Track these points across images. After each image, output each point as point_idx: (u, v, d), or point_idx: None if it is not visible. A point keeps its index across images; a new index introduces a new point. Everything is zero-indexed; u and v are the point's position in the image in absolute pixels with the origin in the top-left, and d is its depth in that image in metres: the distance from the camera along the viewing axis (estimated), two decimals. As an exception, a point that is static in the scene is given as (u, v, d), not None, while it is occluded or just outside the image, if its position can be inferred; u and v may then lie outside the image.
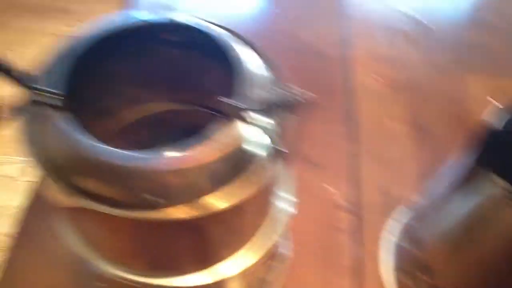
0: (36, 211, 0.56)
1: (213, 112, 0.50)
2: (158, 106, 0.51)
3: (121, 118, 0.49)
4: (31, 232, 0.54)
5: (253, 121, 0.33)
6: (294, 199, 0.44)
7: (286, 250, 0.52)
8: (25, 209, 0.56)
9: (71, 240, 0.41)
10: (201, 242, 0.37)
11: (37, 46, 1.78)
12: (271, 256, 0.48)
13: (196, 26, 0.40)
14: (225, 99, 0.32)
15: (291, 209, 0.44)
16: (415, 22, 0.81)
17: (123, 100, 0.48)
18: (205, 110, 0.50)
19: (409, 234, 0.51)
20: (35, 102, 0.33)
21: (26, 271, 0.51)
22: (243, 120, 0.32)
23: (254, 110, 0.33)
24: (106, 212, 0.31)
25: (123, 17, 0.40)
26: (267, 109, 0.33)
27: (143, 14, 0.40)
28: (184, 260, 0.40)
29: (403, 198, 0.57)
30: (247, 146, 0.33)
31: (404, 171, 0.60)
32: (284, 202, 0.44)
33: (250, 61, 0.37)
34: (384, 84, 0.70)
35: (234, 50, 0.37)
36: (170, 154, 0.31)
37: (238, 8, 0.83)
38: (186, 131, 0.52)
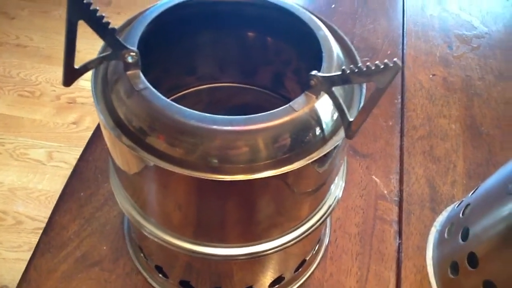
0: (81, 179, 0.57)
1: (274, 94, 0.52)
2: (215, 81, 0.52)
3: (176, 86, 0.50)
4: (74, 199, 0.55)
5: (338, 98, 0.33)
6: (344, 185, 0.45)
7: (330, 234, 0.53)
8: (69, 176, 0.57)
9: (123, 203, 0.42)
10: (252, 217, 0.38)
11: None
12: (315, 237, 0.49)
13: (280, 4, 0.41)
14: (316, 73, 0.33)
15: (340, 195, 0.44)
16: (471, 25, 0.81)
17: (184, 68, 0.49)
18: (266, 91, 0.52)
19: (456, 227, 0.52)
20: (110, 56, 0.33)
21: (67, 238, 0.52)
22: (332, 95, 0.33)
23: (341, 84, 0.33)
24: (167, 169, 0.31)
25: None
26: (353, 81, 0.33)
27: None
28: (231, 231, 0.40)
29: (451, 194, 0.58)
30: (324, 121, 0.34)
31: (453, 168, 0.60)
32: (336, 187, 0.44)
33: (333, 41, 0.38)
34: (438, 83, 0.70)
35: (322, 30, 0.38)
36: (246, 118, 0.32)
37: (293, 1, 0.84)
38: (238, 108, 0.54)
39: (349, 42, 0.40)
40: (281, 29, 0.44)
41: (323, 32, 0.38)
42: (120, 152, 0.36)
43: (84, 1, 0.29)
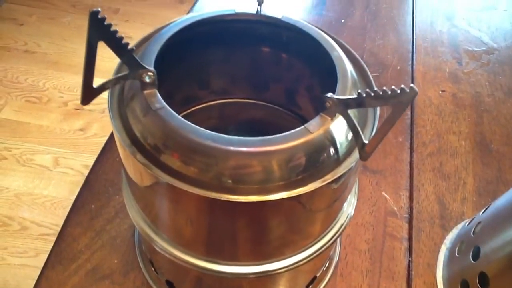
0: (91, 191, 0.57)
1: (286, 110, 0.52)
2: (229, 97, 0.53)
3: (188, 99, 0.50)
4: (85, 211, 0.55)
5: (353, 120, 0.34)
6: (356, 203, 0.45)
7: (340, 251, 0.53)
8: (81, 188, 0.57)
9: (136, 217, 0.42)
10: (264, 236, 0.38)
11: (83, 42, 1.83)
12: (325, 255, 0.49)
13: (293, 24, 0.41)
14: (331, 95, 0.33)
15: (352, 213, 0.44)
16: (480, 42, 0.81)
17: (197, 82, 0.50)
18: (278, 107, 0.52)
19: (467, 245, 0.52)
20: (128, 75, 0.33)
21: (78, 251, 0.52)
22: (347, 117, 0.33)
23: (356, 107, 0.33)
24: (182, 188, 0.31)
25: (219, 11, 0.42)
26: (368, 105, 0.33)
27: (238, 8, 0.42)
28: (242, 250, 0.40)
29: (460, 211, 0.58)
30: (339, 143, 0.34)
31: (463, 185, 0.60)
32: (348, 205, 0.44)
33: (347, 62, 0.38)
34: (448, 99, 0.71)
35: (336, 50, 0.38)
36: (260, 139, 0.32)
37: (303, 16, 0.85)
38: (247, 124, 0.55)
39: (362, 62, 0.40)
40: (294, 47, 0.44)
41: (337, 52, 0.38)
42: (133, 168, 0.36)
43: (105, 23, 0.29)
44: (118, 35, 0.30)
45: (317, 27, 0.41)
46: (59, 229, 1.30)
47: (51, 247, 1.23)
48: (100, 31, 0.30)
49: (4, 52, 1.80)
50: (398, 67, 0.75)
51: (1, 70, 1.72)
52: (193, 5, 0.83)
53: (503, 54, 0.79)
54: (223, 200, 0.31)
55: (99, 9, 0.29)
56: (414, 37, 0.80)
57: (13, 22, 1.93)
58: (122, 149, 0.35)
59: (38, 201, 1.36)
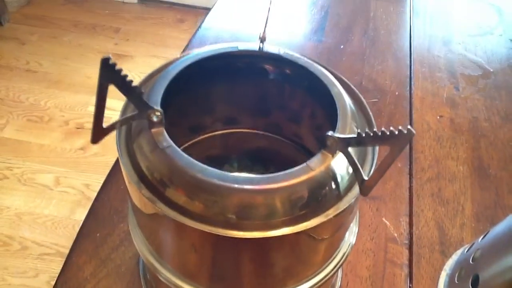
0: (97, 219, 0.57)
1: (287, 141, 0.53)
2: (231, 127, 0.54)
3: (192, 128, 0.51)
4: (90, 240, 0.55)
5: (353, 157, 0.35)
6: (357, 230, 0.46)
7: (341, 278, 0.54)
8: (86, 216, 0.57)
9: (141, 246, 0.43)
10: (268, 269, 0.39)
11: (85, 61, 1.86)
12: (328, 284, 0.50)
13: (294, 60, 0.42)
14: (332, 133, 0.34)
15: (354, 241, 0.45)
16: (476, 66, 0.83)
17: (201, 113, 0.51)
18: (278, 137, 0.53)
19: (466, 272, 0.52)
20: (136, 116, 0.35)
21: (83, 279, 0.52)
22: (347, 155, 0.34)
23: (356, 146, 0.34)
24: (187, 224, 0.32)
25: (222, 46, 0.43)
26: (367, 144, 0.35)
27: (240, 45, 0.43)
28: (246, 282, 0.41)
29: (460, 236, 0.58)
30: (340, 179, 0.35)
31: (462, 211, 0.61)
32: (350, 233, 0.45)
33: (347, 97, 0.40)
34: (445, 124, 0.72)
35: (336, 86, 0.39)
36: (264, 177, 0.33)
37: (303, 43, 0.86)
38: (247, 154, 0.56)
39: (362, 98, 0.41)
40: (295, 81, 0.45)
41: (337, 88, 0.40)
42: (139, 201, 0.37)
43: (116, 68, 0.31)
44: (128, 78, 0.32)
45: (317, 62, 0.42)
46: (59, 248, 1.31)
47: (51, 267, 1.23)
48: (111, 75, 0.31)
49: (6, 71, 1.82)
50: (397, 93, 0.76)
51: (3, 89, 1.74)
52: (195, 33, 0.85)
53: (499, 78, 0.81)
54: (227, 236, 0.32)
55: (110, 56, 0.30)
56: (412, 63, 0.82)
57: (15, 41, 1.95)
58: (129, 184, 0.36)
59: (39, 221, 1.36)
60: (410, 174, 0.65)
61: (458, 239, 0.58)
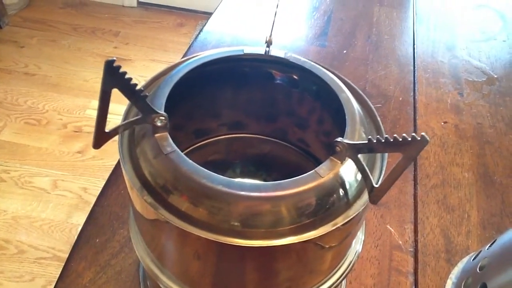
0: (96, 224, 0.56)
1: (292, 146, 0.53)
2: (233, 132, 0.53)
3: (197, 132, 0.50)
4: (90, 246, 0.55)
5: (363, 164, 0.34)
6: (363, 238, 0.45)
7: (345, 286, 0.53)
8: (85, 221, 0.56)
9: (142, 253, 0.42)
10: (273, 278, 0.38)
11: (84, 65, 1.85)
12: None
13: (301, 64, 0.41)
14: (342, 139, 0.33)
15: (360, 249, 0.44)
16: (481, 72, 0.82)
17: (206, 117, 0.50)
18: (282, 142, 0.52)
19: (473, 281, 0.52)
20: (140, 120, 0.34)
21: (83, 286, 0.51)
22: (357, 161, 0.33)
23: (367, 152, 0.34)
24: (190, 231, 0.31)
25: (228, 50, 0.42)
26: (378, 151, 0.34)
27: (246, 48, 0.42)
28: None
29: (465, 244, 0.58)
30: (348, 186, 0.34)
31: (467, 218, 0.61)
32: (356, 242, 0.44)
33: (355, 103, 0.39)
34: (450, 131, 0.71)
35: (344, 91, 0.39)
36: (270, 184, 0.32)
37: (306, 47, 0.86)
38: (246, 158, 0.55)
39: (369, 103, 0.41)
40: (302, 85, 0.44)
41: (345, 94, 0.39)
42: (141, 207, 0.36)
43: (120, 71, 0.30)
44: (132, 82, 0.31)
45: (324, 66, 0.41)
46: (56, 252, 1.29)
47: (47, 271, 1.21)
48: (114, 78, 0.30)
49: (4, 74, 1.81)
50: (400, 98, 0.75)
51: (1, 92, 1.73)
52: (197, 36, 0.84)
53: (503, 85, 0.80)
54: (232, 244, 0.31)
55: (115, 58, 0.29)
56: (416, 68, 0.82)
57: (14, 45, 1.94)
58: (132, 190, 0.35)
59: (36, 224, 1.35)
60: (415, 181, 0.64)
61: (463, 247, 0.57)
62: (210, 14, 0.92)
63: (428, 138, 0.29)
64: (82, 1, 2.22)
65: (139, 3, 2.24)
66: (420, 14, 0.97)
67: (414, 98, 0.76)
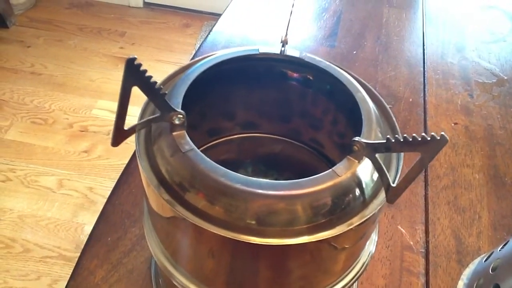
0: (108, 223, 0.57)
1: (306, 147, 0.53)
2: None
3: (211, 131, 0.51)
4: (101, 244, 0.55)
5: (381, 163, 0.34)
6: (377, 239, 0.45)
7: (357, 286, 0.53)
8: (97, 220, 0.56)
9: (155, 250, 0.42)
10: (286, 277, 0.38)
11: (90, 65, 1.85)
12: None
13: (316, 63, 0.41)
14: (359, 139, 0.33)
15: (374, 250, 0.44)
16: (490, 74, 0.82)
17: (220, 116, 0.50)
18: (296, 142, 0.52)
19: (485, 283, 0.51)
20: (158, 118, 0.34)
21: (94, 284, 0.51)
22: (374, 161, 0.33)
23: (384, 152, 0.34)
24: (207, 228, 0.31)
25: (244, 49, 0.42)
26: (396, 150, 0.34)
27: (261, 48, 0.42)
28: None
29: (477, 245, 0.57)
30: (365, 185, 0.34)
31: (478, 219, 0.60)
32: (370, 242, 0.44)
33: (371, 102, 0.39)
34: (460, 132, 0.71)
35: (359, 91, 0.39)
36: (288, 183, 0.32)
37: (316, 48, 0.86)
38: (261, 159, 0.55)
39: (384, 102, 0.41)
40: (317, 85, 0.44)
41: (361, 94, 0.39)
42: (157, 204, 0.36)
43: (140, 69, 0.30)
44: (152, 80, 0.31)
45: (339, 66, 0.41)
46: (61, 251, 1.30)
47: (53, 270, 1.22)
48: (135, 76, 0.30)
49: (11, 73, 1.81)
50: (411, 99, 0.75)
51: (7, 92, 1.73)
52: (206, 36, 0.84)
53: (513, 86, 0.80)
54: (247, 242, 0.31)
55: (135, 56, 0.29)
56: (426, 69, 0.81)
57: (20, 44, 1.95)
58: (148, 187, 0.35)
59: (42, 223, 1.35)
60: (426, 182, 0.64)
61: (475, 248, 0.57)
62: (216, 14, 0.92)
63: (447, 138, 0.29)
64: (88, 1, 2.23)
65: (145, 3, 2.25)
66: (429, 15, 0.96)
67: (424, 99, 0.76)
